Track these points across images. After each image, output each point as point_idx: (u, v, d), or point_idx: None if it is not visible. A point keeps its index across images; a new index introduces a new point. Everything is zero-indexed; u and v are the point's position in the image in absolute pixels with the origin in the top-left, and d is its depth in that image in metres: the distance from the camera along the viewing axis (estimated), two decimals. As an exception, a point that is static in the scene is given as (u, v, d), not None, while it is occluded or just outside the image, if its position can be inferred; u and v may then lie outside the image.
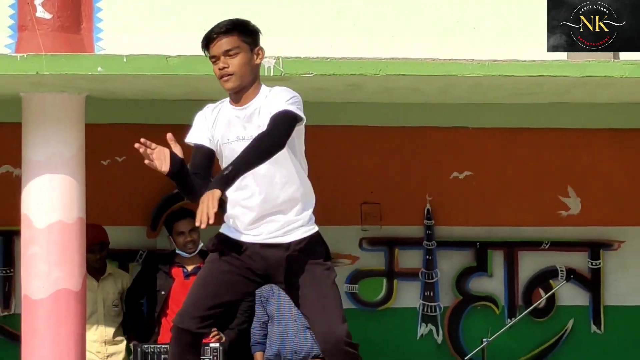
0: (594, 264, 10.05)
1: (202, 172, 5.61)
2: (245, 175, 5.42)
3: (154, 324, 8.85)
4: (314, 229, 5.72)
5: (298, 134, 5.63)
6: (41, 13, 8.08)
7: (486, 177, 9.96)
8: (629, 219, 10.05)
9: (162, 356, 7.97)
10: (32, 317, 7.95)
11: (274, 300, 8.60)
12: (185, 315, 5.64)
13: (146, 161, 5.44)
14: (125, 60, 7.75)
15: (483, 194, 9.94)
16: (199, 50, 8.03)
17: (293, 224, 5.65)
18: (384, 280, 9.89)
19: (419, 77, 8.13)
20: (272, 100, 5.56)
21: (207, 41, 5.65)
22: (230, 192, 5.55)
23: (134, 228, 9.50)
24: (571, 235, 10.03)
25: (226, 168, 5.33)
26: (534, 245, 10.01)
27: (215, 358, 8.10)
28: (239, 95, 5.65)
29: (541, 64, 8.15)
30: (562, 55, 8.52)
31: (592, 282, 10.04)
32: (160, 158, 5.43)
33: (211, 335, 8.14)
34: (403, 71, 8.05)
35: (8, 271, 9.38)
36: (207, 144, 5.65)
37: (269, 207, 5.60)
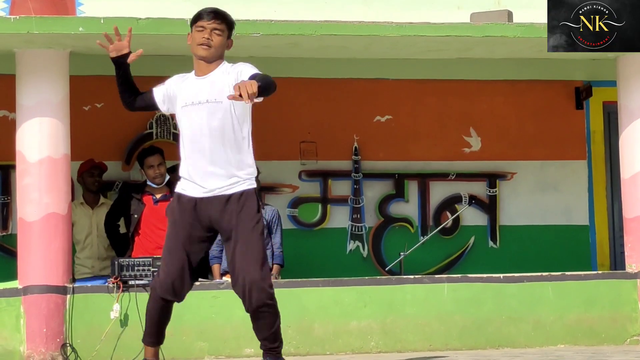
0: (491, 191, 10.12)
1: (139, 96, 5.77)
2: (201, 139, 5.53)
3: (129, 242, 8.85)
4: (251, 184, 5.68)
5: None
6: (31, -18, 7.99)
7: (403, 120, 9.97)
8: (520, 155, 10.11)
9: (136, 268, 7.95)
10: (26, 236, 7.93)
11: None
12: (172, 291, 5.69)
13: (103, 43, 5.63)
14: (102, 21, 7.69)
15: (401, 134, 9.96)
16: (164, 14, 8.05)
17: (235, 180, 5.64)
18: (319, 205, 9.89)
19: (347, 36, 8.13)
20: (237, 73, 5.56)
21: (201, 16, 5.68)
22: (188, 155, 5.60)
23: (111, 162, 9.42)
24: (473, 168, 10.07)
25: (254, 77, 5.34)
26: (442, 176, 10.05)
27: (179, 270, 8.05)
28: (202, 67, 5.69)
29: (448, 25, 8.17)
30: (466, 18, 8.51)
31: (489, 206, 10.10)
32: (117, 48, 5.65)
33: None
34: (334, 32, 8.05)
35: (5, 198, 9.31)
36: (158, 97, 5.77)
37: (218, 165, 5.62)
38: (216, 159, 5.59)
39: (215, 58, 5.67)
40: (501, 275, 8.47)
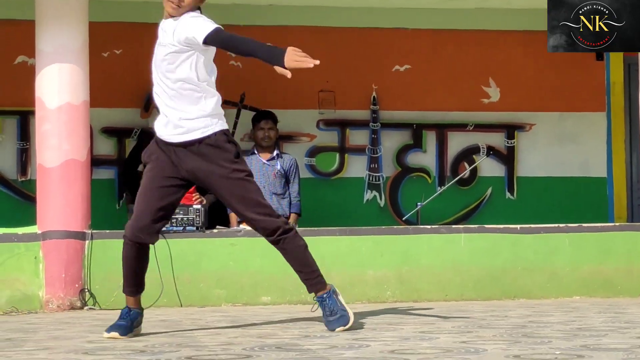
0: (509, 142, 10.11)
1: None
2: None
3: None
4: (213, 128, 5.48)
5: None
6: None
7: (422, 70, 9.94)
8: (539, 106, 10.09)
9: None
10: (45, 182, 7.95)
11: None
12: (139, 231, 5.46)
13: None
14: (121, -32, 7.68)
15: (419, 84, 9.93)
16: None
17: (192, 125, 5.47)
18: (337, 155, 9.91)
19: (367, -15, 8.10)
20: (173, 31, 5.41)
21: None
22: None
23: (130, 110, 9.45)
24: (491, 119, 10.06)
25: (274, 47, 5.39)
26: (460, 126, 10.04)
27: (197, 217, 8.08)
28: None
29: (468, -26, 8.13)
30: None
31: (507, 157, 10.11)
32: None
33: (194, 199, 8.15)
34: (354, -20, 8.02)
35: (25, 144, 9.34)
36: None
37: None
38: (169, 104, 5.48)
39: (180, 15, 5.47)
40: (518, 226, 8.47)
